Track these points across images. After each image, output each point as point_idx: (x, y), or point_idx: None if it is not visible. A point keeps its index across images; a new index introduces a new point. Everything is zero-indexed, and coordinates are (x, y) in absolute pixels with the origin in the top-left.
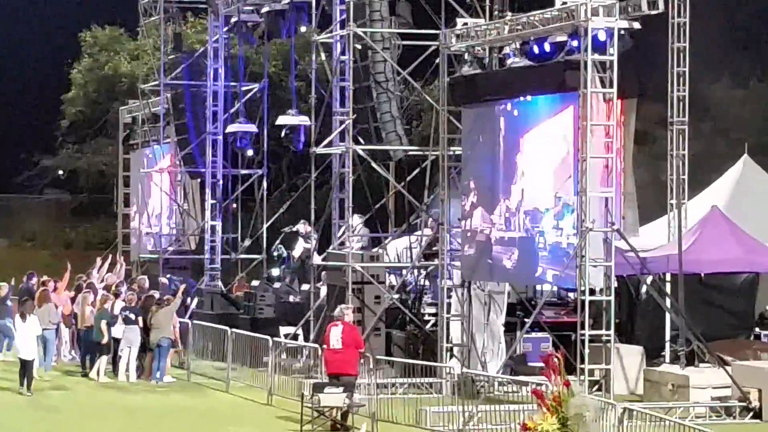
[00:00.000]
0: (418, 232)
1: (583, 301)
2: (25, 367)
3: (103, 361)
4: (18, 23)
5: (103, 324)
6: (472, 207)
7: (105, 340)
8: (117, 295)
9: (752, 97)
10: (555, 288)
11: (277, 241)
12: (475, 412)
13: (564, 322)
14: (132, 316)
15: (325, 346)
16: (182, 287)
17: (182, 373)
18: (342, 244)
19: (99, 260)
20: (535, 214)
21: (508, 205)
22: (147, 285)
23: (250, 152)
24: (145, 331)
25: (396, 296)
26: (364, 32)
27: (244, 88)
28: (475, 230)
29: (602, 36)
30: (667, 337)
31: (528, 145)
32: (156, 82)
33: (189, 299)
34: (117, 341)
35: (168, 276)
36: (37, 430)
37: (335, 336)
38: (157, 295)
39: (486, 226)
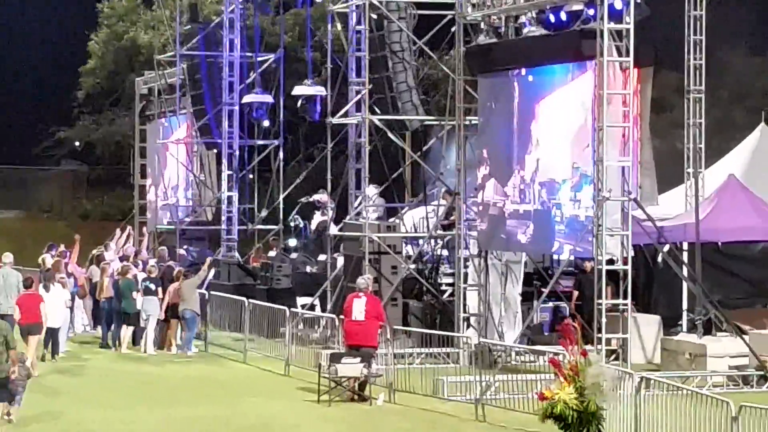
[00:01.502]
0: (435, 202)
1: (600, 271)
2: (52, 334)
3: (129, 332)
4: None
5: (136, 294)
6: (484, 179)
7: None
8: (135, 266)
9: None
10: (572, 257)
11: (294, 212)
12: (492, 382)
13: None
14: (152, 287)
15: (344, 317)
16: (208, 260)
17: (200, 344)
18: (358, 214)
19: (118, 231)
20: (551, 185)
21: (522, 176)
22: (167, 255)
23: (266, 123)
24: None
25: (413, 266)
26: (380, 2)
27: (260, 59)
28: (487, 203)
29: (618, 4)
30: (685, 306)
31: (544, 112)
32: (172, 53)
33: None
34: (137, 312)
35: (185, 247)
36: (58, 400)
37: (358, 307)
38: (175, 266)
39: (499, 198)
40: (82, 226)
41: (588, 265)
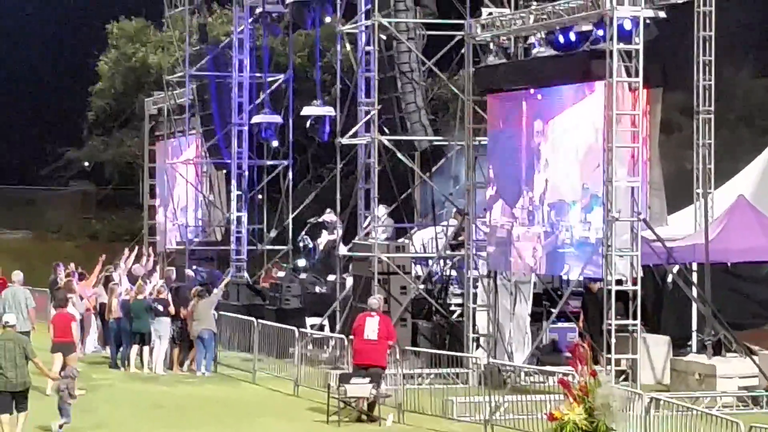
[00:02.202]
0: (444, 223)
1: (609, 291)
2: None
3: (135, 351)
4: (45, 15)
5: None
6: (492, 199)
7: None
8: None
9: None
10: (581, 278)
11: (303, 232)
12: (502, 403)
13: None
14: (161, 308)
15: (353, 336)
16: (225, 280)
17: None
18: (368, 234)
19: (126, 251)
20: (561, 206)
21: (531, 197)
22: (174, 276)
23: (275, 143)
24: (180, 321)
25: (422, 286)
26: (389, 22)
27: (269, 79)
28: (495, 225)
29: (628, 25)
30: (694, 326)
31: (553, 132)
32: (181, 74)
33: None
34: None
35: (194, 267)
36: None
37: (371, 327)
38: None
39: (507, 220)
40: (91, 247)
41: (594, 286)
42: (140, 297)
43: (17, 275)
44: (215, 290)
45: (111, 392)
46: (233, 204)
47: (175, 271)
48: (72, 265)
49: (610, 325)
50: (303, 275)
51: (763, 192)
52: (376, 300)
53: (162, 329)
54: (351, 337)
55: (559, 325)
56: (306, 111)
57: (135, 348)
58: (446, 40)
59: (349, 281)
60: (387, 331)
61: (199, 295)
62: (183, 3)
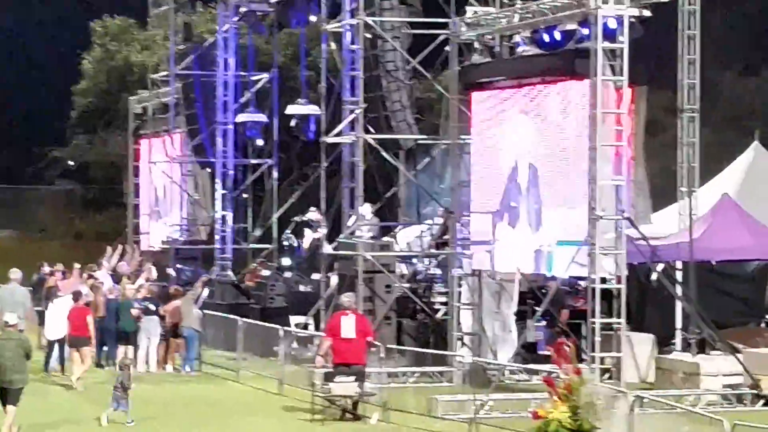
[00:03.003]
0: (428, 221)
1: (593, 290)
2: (53, 347)
3: (121, 351)
4: (29, 14)
5: (134, 312)
6: (476, 197)
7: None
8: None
9: (763, 85)
10: (566, 276)
11: (287, 231)
12: (487, 401)
13: (575, 310)
14: (152, 307)
15: (330, 336)
16: (202, 278)
17: (193, 363)
18: (352, 233)
19: (109, 249)
20: (546, 204)
21: (515, 195)
22: (155, 276)
23: (260, 142)
24: (163, 320)
25: (407, 285)
26: (374, 21)
27: (254, 78)
28: (479, 224)
29: (612, 24)
30: (678, 324)
31: (537, 130)
32: (166, 72)
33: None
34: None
35: (178, 266)
36: (50, 417)
37: (348, 325)
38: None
39: (491, 219)
40: (76, 246)
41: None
42: (129, 295)
43: (15, 273)
44: (194, 290)
45: (96, 392)
46: (218, 203)
47: (155, 270)
48: (56, 265)
49: (594, 323)
50: (288, 274)
51: (747, 191)
52: (348, 298)
53: (152, 328)
54: (324, 335)
55: (544, 323)
56: (291, 110)
57: (121, 348)
58: (431, 38)
59: (334, 280)
60: (364, 328)
61: (182, 294)
62: (167, 1)
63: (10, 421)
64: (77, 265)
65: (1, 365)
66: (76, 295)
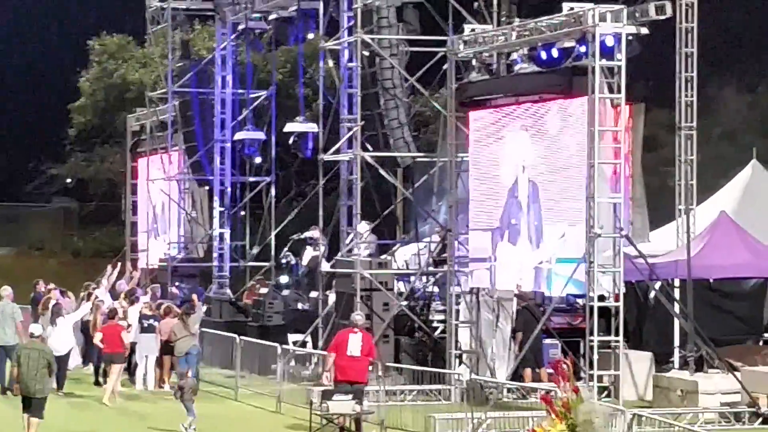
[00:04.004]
0: (426, 239)
1: (591, 307)
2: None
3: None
4: (27, 32)
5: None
6: (474, 215)
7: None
8: (132, 303)
9: (760, 102)
10: (564, 294)
11: (285, 249)
12: (484, 419)
13: (573, 327)
14: (155, 324)
15: (334, 352)
16: (194, 297)
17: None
18: (350, 251)
19: (109, 268)
20: (544, 222)
21: (513, 212)
22: (159, 294)
23: (258, 159)
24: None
25: (404, 303)
26: (372, 39)
27: (251, 96)
28: (477, 241)
29: (610, 41)
30: (676, 342)
31: (535, 148)
32: (164, 90)
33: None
34: (131, 349)
35: (177, 284)
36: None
37: (355, 343)
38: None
39: (489, 236)
40: (74, 263)
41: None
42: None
43: (6, 290)
44: (199, 307)
45: (94, 410)
46: (216, 220)
47: (160, 288)
48: (51, 285)
49: (592, 341)
50: (285, 292)
51: (745, 208)
52: (360, 316)
53: (151, 346)
54: (327, 352)
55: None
56: (289, 127)
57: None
58: (429, 56)
59: (332, 298)
60: (369, 348)
61: (187, 312)
62: (165, 19)
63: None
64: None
65: (23, 374)
66: (112, 313)
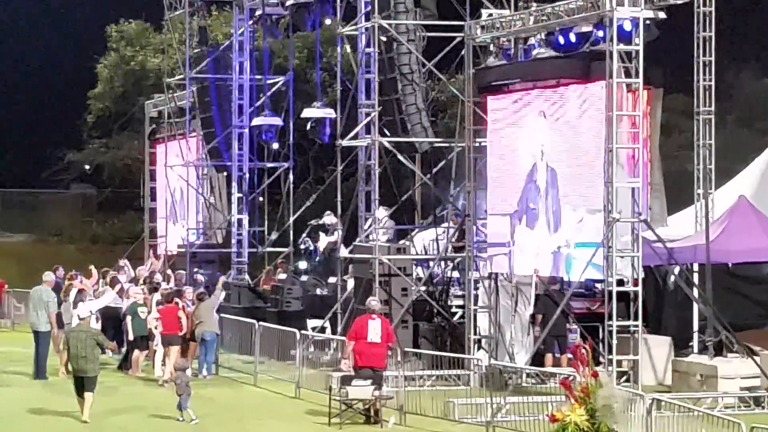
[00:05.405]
0: (445, 224)
1: (610, 292)
2: None
3: (141, 355)
4: (44, 19)
5: (128, 319)
6: (492, 200)
7: (131, 337)
8: (155, 289)
9: None
10: (583, 279)
11: (304, 234)
12: (503, 404)
13: (592, 312)
14: None
15: (353, 339)
16: (221, 280)
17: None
18: (368, 236)
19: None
20: (562, 206)
21: (531, 197)
22: (183, 279)
23: (275, 145)
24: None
25: (423, 288)
26: (389, 24)
27: (269, 81)
28: (496, 226)
29: (627, 26)
30: (695, 327)
31: (553, 133)
32: (181, 76)
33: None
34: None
35: (195, 270)
36: (65, 420)
37: (374, 329)
38: (188, 290)
39: (508, 221)
40: (92, 250)
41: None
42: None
43: (48, 276)
44: (215, 292)
45: (113, 396)
46: (234, 206)
47: (183, 274)
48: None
49: (611, 326)
50: (304, 277)
51: (763, 192)
52: (376, 302)
53: None
54: (347, 338)
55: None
56: (306, 113)
57: (137, 352)
58: (446, 41)
59: (350, 283)
60: (388, 334)
61: (200, 297)
62: (182, 5)
63: (88, 405)
64: (93, 269)
65: (75, 356)
66: (170, 296)
